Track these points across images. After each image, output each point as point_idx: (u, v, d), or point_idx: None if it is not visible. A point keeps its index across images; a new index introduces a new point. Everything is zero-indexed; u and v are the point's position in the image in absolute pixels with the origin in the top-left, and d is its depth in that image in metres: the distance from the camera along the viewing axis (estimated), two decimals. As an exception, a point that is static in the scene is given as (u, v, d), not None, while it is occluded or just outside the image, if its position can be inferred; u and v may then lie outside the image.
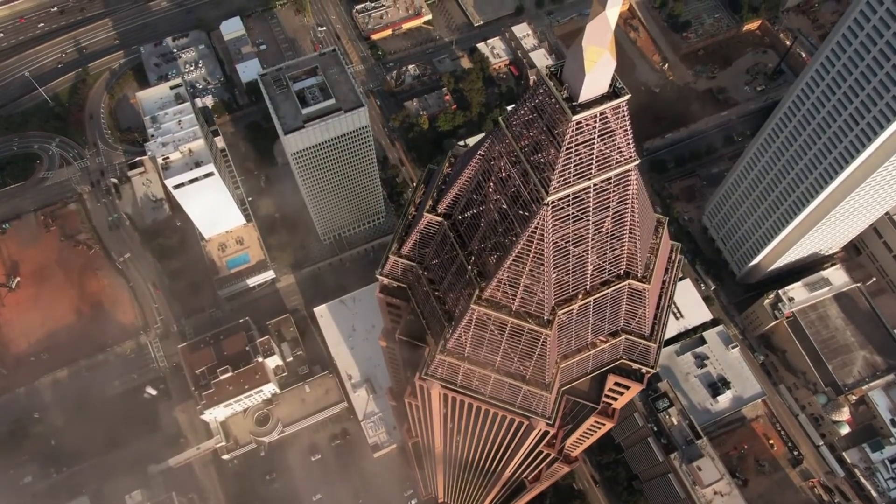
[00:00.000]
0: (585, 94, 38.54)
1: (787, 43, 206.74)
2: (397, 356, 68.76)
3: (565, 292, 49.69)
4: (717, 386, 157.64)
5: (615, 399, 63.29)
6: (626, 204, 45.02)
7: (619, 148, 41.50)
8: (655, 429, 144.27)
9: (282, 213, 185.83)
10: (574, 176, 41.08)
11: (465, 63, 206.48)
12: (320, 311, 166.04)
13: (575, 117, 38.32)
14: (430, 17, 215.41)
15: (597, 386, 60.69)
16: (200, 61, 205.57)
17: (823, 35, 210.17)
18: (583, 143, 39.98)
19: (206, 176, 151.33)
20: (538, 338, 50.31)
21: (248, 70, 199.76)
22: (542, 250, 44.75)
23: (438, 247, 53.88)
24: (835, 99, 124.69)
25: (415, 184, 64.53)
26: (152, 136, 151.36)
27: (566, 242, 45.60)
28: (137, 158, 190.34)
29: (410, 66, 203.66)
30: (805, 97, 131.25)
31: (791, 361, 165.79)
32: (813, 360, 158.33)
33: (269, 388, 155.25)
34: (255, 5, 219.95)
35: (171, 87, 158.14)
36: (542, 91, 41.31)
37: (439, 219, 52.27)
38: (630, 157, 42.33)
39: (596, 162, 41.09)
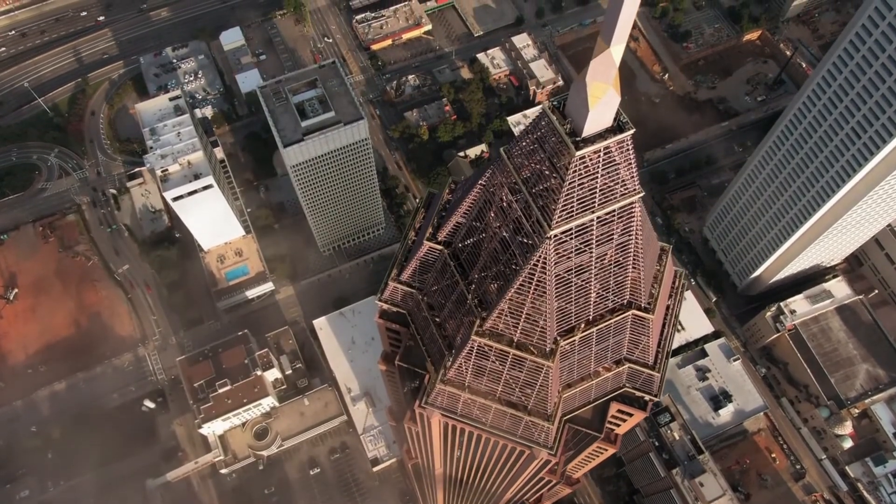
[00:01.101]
0: (589, 129, 37.88)
1: (788, 53, 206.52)
2: (397, 380, 67.92)
3: (568, 323, 48.96)
4: (718, 399, 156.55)
5: (618, 425, 62.45)
6: (629, 235, 44.34)
7: (622, 181, 40.86)
8: (657, 444, 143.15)
9: (281, 224, 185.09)
10: (577, 209, 40.40)
11: (465, 73, 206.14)
12: (319, 323, 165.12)
13: (578, 153, 37.69)
14: (429, 27, 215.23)
15: (599, 414, 59.82)
16: (200, 71, 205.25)
17: (823, 45, 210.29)
18: (586, 176, 39.33)
19: (205, 188, 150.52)
20: (540, 369, 49.49)
21: (248, 80, 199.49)
22: (545, 282, 44.04)
23: (439, 274, 53.15)
24: (836, 113, 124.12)
25: (415, 205, 63.82)
26: (151, 148, 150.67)
27: (569, 274, 44.89)
28: (136, 169, 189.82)
29: (410, 77, 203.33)
30: (807, 110, 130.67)
31: (793, 374, 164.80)
32: (815, 374, 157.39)
33: (268, 402, 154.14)
34: (255, 15, 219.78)
35: (171, 99, 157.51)
36: (544, 123, 40.66)
37: (439, 247, 51.58)
38: (634, 189, 41.66)
39: (599, 195, 40.43)
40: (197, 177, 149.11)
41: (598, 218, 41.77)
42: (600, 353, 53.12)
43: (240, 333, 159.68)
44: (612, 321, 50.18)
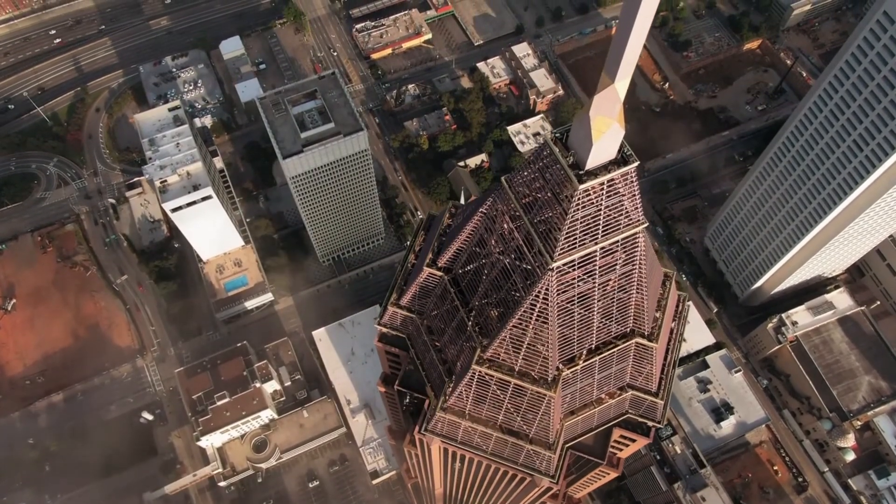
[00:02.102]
0: (592, 162, 37.23)
1: (788, 62, 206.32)
2: (396, 402, 67.11)
3: (570, 352, 48.19)
4: (720, 411, 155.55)
5: (620, 449, 61.64)
6: (633, 265, 43.63)
7: (626, 212, 40.18)
8: (658, 457, 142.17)
9: (280, 234, 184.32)
10: (580, 241, 39.72)
11: (466, 82, 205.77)
12: (319, 334, 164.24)
13: (581, 186, 37.01)
14: (430, 36, 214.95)
15: (602, 440, 59.01)
16: (199, 81, 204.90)
17: (824, 54, 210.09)
18: (589, 208, 38.65)
19: (204, 199, 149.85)
20: (542, 398, 48.72)
21: (248, 90, 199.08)
22: (547, 312, 43.33)
23: (439, 300, 52.43)
24: (838, 125, 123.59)
25: (416, 222, 63.04)
26: (150, 158, 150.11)
27: (571, 304, 44.15)
28: (135, 179, 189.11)
29: (410, 86, 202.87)
30: (808, 122, 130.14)
31: (795, 386, 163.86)
32: (817, 385, 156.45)
33: (267, 414, 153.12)
34: (255, 24, 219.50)
35: (170, 109, 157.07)
36: (546, 154, 39.99)
37: (440, 273, 50.86)
38: (638, 220, 40.95)
39: (603, 226, 39.74)
40: (196, 188, 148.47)
41: (601, 249, 41.11)
42: (603, 381, 52.36)
43: (238, 345, 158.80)
44: (615, 350, 49.47)
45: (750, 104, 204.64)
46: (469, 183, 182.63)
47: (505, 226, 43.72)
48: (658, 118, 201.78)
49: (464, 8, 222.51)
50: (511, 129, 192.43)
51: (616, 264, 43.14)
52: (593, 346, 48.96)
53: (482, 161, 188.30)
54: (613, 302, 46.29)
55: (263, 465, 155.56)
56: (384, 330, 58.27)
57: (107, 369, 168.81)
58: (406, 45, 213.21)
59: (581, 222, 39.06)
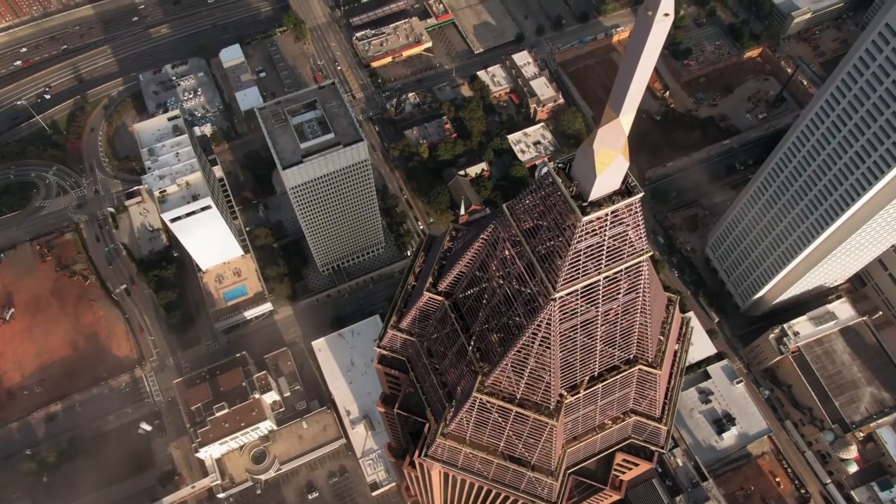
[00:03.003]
0: (596, 194, 36.69)
1: (789, 70, 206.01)
2: (396, 423, 66.41)
3: (572, 379, 47.56)
4: (722, 422, 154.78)
5: (623, 472, 60.91)
6: (636, 293, 43.05)
7: (630, 241, 39.60)
8: (660, 470, 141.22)
9: (280, 243, 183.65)
10: (583, 271, 39.18)
11: (466, 91, 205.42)
12: (318, 344, 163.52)
13: (585, 218, 36.46)
14: (430, 44, 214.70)
15: (604, 464, 58.31)
16: (199, 89, 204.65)
17: (824, 62, 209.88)
18: (593, 239, 38.08)
19: (204, 209, 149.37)
20: (544, 427, 48.07)
21: (248, 98, 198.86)
22: (549, 341, 42.72)
23: (439, 323, 51.81)
24: (840, 137, 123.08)
25: (416, 246, 62.56)
26: (149, 168, 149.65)
27: (574, 332, 43.54)
28: (135, 188, 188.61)
29: (410, 94, 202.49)
30: (811, 132, 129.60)
31: (797, 397, 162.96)
32: (819, 396, 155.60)
33: (266, 425, 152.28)
34: (255, 32, 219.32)
35: (169, 119, 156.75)
36: (549, 183, 39.40)
37: (440, 298, 50.24)
38: (642, 249, 40.38)
39: (606, 256, 39.21)
40: (195, 198, 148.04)
41: (604, 278, 40.54)
42: (606, 407, 51.68)
43: (238, 355, 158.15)
44: (618, 376, 48.85)
45: (751, 112, 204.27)
46: (469, 192, 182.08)
47: (506, 253, 43.14)
48: (659, 126, 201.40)
49: (464, 16, 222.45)
50: (511, 137, 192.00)
51: (620, 292, 42.57)
52: (596, 372, 48.36)
53: (482, 170, 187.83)
54: (617, 329, 45.68)
55: (262, 477, 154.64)
56: (384, 352, 57.63)
57: (105, 379, 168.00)
58: (406, 53, 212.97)
59: (584, 253, 38.52)
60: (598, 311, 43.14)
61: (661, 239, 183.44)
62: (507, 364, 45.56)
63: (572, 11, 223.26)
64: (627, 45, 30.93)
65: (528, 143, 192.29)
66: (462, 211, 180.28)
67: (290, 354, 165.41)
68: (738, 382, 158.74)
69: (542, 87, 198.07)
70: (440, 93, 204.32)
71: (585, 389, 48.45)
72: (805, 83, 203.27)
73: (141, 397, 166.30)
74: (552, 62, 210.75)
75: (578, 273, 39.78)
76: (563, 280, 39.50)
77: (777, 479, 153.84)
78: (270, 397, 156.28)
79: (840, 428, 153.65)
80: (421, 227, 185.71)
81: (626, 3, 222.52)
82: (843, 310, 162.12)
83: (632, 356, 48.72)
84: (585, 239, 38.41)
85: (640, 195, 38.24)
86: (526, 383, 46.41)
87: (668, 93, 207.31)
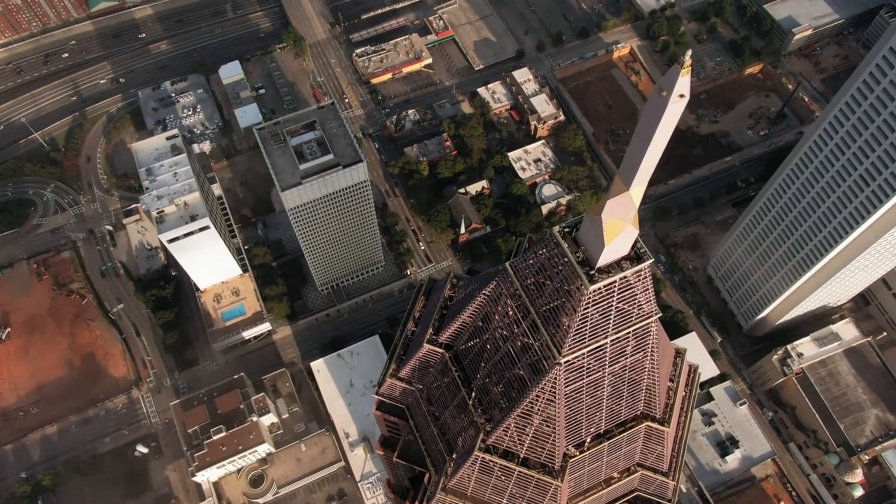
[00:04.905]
0: (604, 261, 35.41)
1: (790, 87, 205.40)
2: (396, 467, 64.79)
3: (578, 437, 46.08)
4: (725, 445, 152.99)
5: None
6: (644, 352, 41.65)
7: (639, 304, 38.28)
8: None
9: (279, 261, 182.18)
10: (590, 336, 37.83)
11: (466, 108, 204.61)
12: (317, 365, 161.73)
13: (592, 287, 35.15)
14: (430, 60, 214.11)
15: (610, 515, 56.79)
16: (199, 105, 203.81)
17: (825, 79, 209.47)
18: (601, 304, 36.78)
19: (202, 230, 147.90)
20: (548, 487, 46.47)
21: (247, 115, 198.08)
22: (554, 403, 41.26)
23: (439, 374, 50.36)
24: (844, 159, 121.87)
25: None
26: (147, 188, 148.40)
27: (579, 393, 42.10)
28: (133, 206, 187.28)
29: (410, 111, 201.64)
30: (814, 154, 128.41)
31: (801, 418, 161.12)
32: (824, 419, 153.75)
33: (264, 448, 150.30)
34: (255, 49, 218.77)
35: (168, 138, 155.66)
36: (553, 245, 38.08)
37: (440, 350, 48.82)
38: (651, 311, 39.04)
39: (614, 320, 37.89)
40: (193, 218, 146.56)
41: (612, 341, 39.18)
42: (612, 462, 50.09)
43: (236, 377, 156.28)
44: (625, 433, 47.35)
45: (752, 129, 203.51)
46: (469, 210, 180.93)
47: (510, 312, 41.81)
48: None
49: (464, 33, 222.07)
50: (512, 155, 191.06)
51: (627, 353, 41.18)
52: (602, 429, 46.86)
53: (483, 188, 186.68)
54: (624, 386, 44.26)
55: (260, 501, 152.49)
56: (383, 399, 56.18)
57: (101, 400, 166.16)
58: (406, 69, 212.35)
59: (591, 319, 37.18)
60: (605, 372, 41.72)
61: (662, 258, 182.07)
62: (509, 424, 44.07)
63: (572, 28, 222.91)
64: (640, 120, 29.71)
65: (529, 160, 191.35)
66: (462, 229, 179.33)
67: (289, 375, 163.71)
68: (741, 404, 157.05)
69: (543, 104, 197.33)
70: (440, 109, 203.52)
71: (592, 446, 46.95)
72: (806, 100, 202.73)
73: (137, 419, 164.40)
74: (552, 79, 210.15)
75: (585, 337, 38.42)
76: (570, 344, 38.14)
77: (781, 503, 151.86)
78: (268, 419, 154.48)
79: (845, 451, 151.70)
80: (423, 248, 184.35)
81: (627, 20, 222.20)
82: (847, 330, 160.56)
83: (639, 412, 47.28)
84: (593, 305, 37.07)
85: (650, 262, 36.90)
86: (529, 444, 44.92)
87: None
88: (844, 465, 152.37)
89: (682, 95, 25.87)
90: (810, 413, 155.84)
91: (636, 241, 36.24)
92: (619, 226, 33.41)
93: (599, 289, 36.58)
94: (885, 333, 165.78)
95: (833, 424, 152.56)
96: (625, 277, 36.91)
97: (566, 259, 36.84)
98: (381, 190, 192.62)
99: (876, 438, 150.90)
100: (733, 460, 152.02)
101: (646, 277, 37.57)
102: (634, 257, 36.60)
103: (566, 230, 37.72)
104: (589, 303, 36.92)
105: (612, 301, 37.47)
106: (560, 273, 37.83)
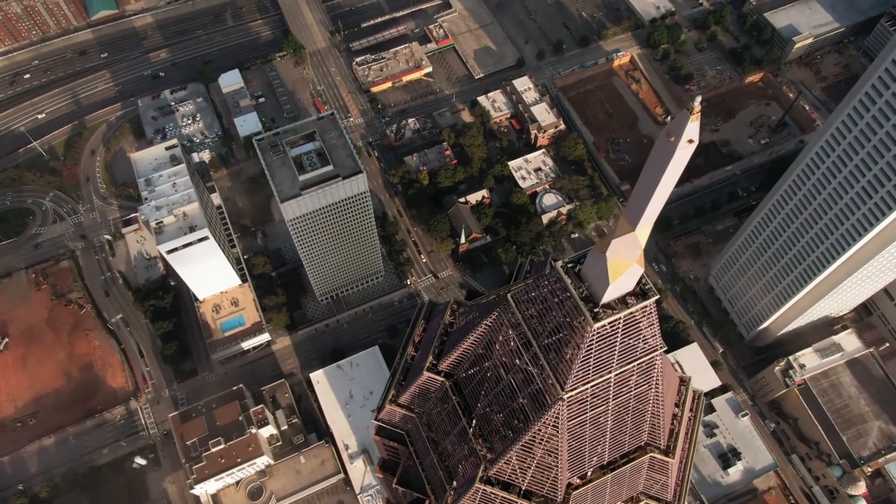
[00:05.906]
0: (608, 298, 34.71)
1: (790, 95, 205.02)
2: (395, 491, 63.96)
3: (581, 469, 45.28)
4: (727, 457, 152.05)
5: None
6: (648, 385, 40.91)
7: (645, 339, 37.57)
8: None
9: (278, 271, 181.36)
10: (594, 371, 37.11)
11: (466, 116, 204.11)
12: (316, 376, 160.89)
13: (597, 325, 34.43)
14: (430, 69, 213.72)
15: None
16: (198, 114, 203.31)
17: (826, 87, 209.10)
18: (605, 340, 36.06)
19: (201, 240, 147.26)
20: (550, 518, 45.81)
21: (247, 124, 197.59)
22: (557, 438, 40.46)
23: (439, 401, 49.56)
24: (846, 171, 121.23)
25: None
26: (146, 199, 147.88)
27: (583, 427, 41.33)
28: (132, 215, 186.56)
29: (410, 120, 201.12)
30: (816, 166, 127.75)
31: (803, 430, 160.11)
32: (826, 431, 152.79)
33: (263, 460, 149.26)
34: (255, 57, 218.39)
35: (167, 148, 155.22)
36: (555, 280, 37.40)
37: (441, 378, 48.08)
38: (656, 346, 38.34)
39: (619, 355, 37.15)
40: (192, 228, 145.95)
41: (616, 375, 38.47)
42: (616, 493, 49.27)
43: (234, 388, 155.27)
44: (628, 465, 46.55)
45: (753, 138, 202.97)
46: (470, 220, 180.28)
47: (511, 343, 41.09)
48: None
49: (464, 41, 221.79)
50: (512, 164, 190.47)
51: (632, 386, 40.45)
52: (606, 461, 46.08)
53: (483, 197, 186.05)
54: (628, 417, 43.51)
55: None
56: (382, 425, 55.39)
57: (100, 411, 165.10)
58: (406, 78, 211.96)
59: (595, 355, 36.46)
60: (608, 405, 40.98)
61: (663, 267, 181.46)
62: (511, 456, 43.28)
63: (573, 36, 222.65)
64: (647, 163, 29.04)
65: (529, 169, 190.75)
66: (462, 239, 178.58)
67: (288, 386, 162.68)
68: (743, 416, 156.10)
69: (543, 113, 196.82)
70: (440, 118, 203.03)
71: (595, 477, 46.14)
72: (807, 108, 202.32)
73: (135, 430, 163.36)
74: (553, 87, 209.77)
75: (589, 372, 37.68)
76: (573, 380, 37.39)
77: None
78: (267, 431, 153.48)
79: (848, 463, 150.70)
80: (423, 259, 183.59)
81: (627, 28, 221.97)
82: (849, 341, 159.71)
83: (643, 443, 46.51)
84: (598, 340, 36.33)
85: (656, 297, 36.19)
86: (531, 477, 44.12)
87: (669, 118, 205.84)
88: (847, 477, 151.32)
89: (690, 141, 25.19)
90: (813, 425, 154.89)
91: (641, 277, 35.52)
92: (625, 264, 32.75)
93: (604, 326, 35.83)
94: (887, 344, 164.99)
95: (836, 436, 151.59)
96: (630, 314, 36.19)
97: (569, 295, 36.19)
98: (381, 199, 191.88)
99: (879, 450, 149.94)
100: (735, 472, 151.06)
101: (651, 313, 36.86)
102: (640, 293, 35.92)
103: (569, 265, 37.05)
104: (593, 339, 36.21)
105: (617, 337, 36.78)
106: (563, 308, 37.14)
